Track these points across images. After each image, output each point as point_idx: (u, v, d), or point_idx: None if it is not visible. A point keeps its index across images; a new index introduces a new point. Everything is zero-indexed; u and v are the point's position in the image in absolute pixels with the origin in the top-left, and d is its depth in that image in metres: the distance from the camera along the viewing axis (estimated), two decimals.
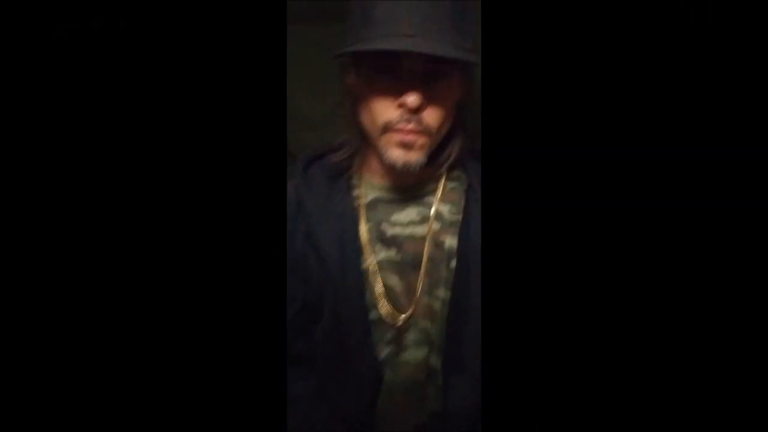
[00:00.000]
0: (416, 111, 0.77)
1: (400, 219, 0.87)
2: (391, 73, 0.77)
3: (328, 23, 1.95)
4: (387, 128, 0.79)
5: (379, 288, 0.84)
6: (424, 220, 0.86)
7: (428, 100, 0.77)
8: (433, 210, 0.86)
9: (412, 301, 0.84)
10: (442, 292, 0.85)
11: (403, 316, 0.83)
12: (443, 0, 0.74)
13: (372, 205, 0.87)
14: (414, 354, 0.85)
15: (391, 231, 0.86)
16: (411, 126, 0.78)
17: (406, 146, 0.79)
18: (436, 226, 0.86)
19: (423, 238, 0.85)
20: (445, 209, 0.88)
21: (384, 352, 0.85)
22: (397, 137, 0.79)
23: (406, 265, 0.85)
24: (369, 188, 0.89)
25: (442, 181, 0.88)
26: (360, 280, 0.84)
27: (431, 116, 0.78)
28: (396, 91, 0.77)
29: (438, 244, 0.86)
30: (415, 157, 0.80)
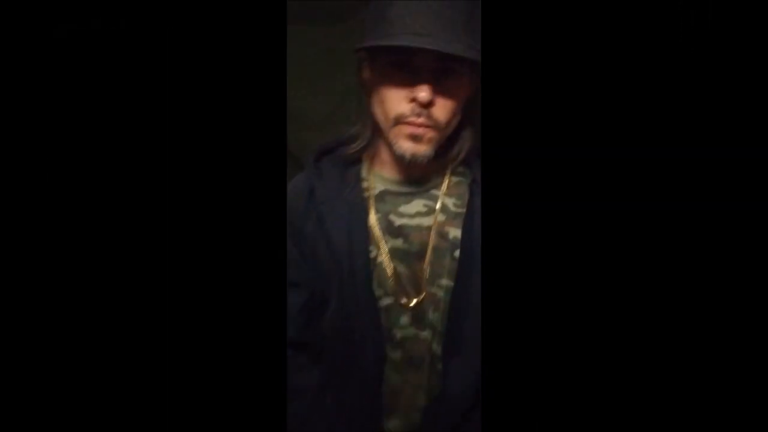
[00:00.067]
0: (427, 106, 0.81)
1: (408, 210, 0.91)
2: (405, 68, 0.81)
3: (328, 23, 1.96)
4: (398, 121, 0.83)
5: (388, 275, 0.88)
6: (430, 211, 0.90)
7: (438, 96, 0.81)
8: (438, 202, 0.90)
9: (417, 288, 0.89)
10: (446, 281, 0.89)
11: (415, 301, 0.87)
12: (456, 2, 0.78)
13: (380, 197, 0.92)
14: (417, 339, 0.89)
15: (398, 221, 0.90)
16: (421, 120, 0.82)
17: (415, 139, 0.83)
18: (441, 217, 0.90)
19: (429, 229, 0.89)
20: (450, 202, 0.92)
21: (389, 337, 0.89)
22: (407, 130, 0.83)
23: (412, 254, 0.89)
24: (378, 180, 0.93)
25: (448, 176, 0.92)
26: (368, 267, 0.88)
27: (440, 111, 0.83)
28: (408, 86, 0.81)
29: (443, 235, 0.90)
30: (423, 149, 0.84)
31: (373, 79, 0.87)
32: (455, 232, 0.90)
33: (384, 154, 0.93)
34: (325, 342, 0.93)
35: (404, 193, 0.92)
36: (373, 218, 0.90)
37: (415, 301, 0.88)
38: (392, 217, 0.91)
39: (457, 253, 0.89)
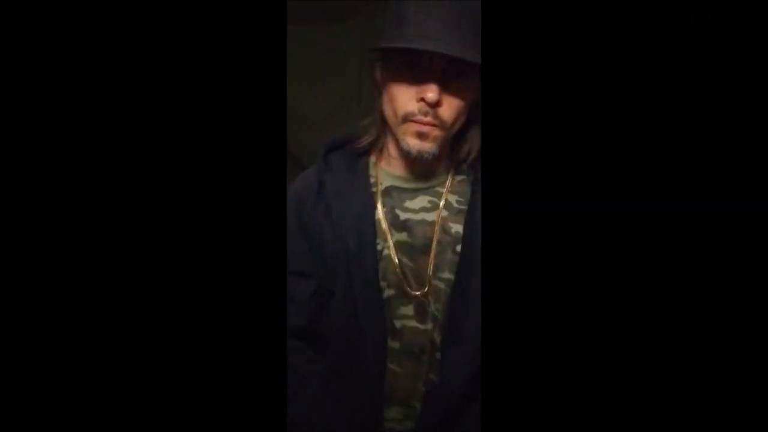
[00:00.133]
0: (434, 105, 0.85)
1: (413, 205, 0.95)
2: (415, 69, 0.86)
3: (328, 23, 1.97)
4: (406, 118, 0.88)
5: (395, 266, 0.93)
6: (434, 207, 0.95)
7: (446, 96, 0.86)
8: (442, 199, 0.95)
9: (420, 281, 0.93)
10: (447, 274, 0.93)
11: (419, 292, 0.92)
12: (466, 8, 0.83)
13: (387, 192, 0.96)
14: (418, 330, 0.93)
15: (403, 216, 0.95)
16: (428, 118, 0.86)
17: (421, 136, 0.88)
18: (444, 213, 0.95)
19: (433, 224, 0.94)
20: (453, 199, 0.96)
21: (392, 326, 0.93)
22: (414, 127, 0.88)
23: (416, 248, 0.94)
24: (385, 176, 0.97)
25: (451, 174, 0.97)
26: (375, 258, 0.92)
27: (447, 111, 0.87)
28: (418, 86, 0.86)
29: (446, 230, 0.94)
30: (429, 146, 0.88)
31: (384, 77, 0.91)
32: (457, 228, 0.94)
33: (391, 151, 0.97)
34: (330, 332, 0.97)
35: (410, 189, 0.96)
36: (380, 212, 0.94)
37: (419, 293, 0.92)
38: (398, 212, 0.95)
39: (458, 247, 0.93)
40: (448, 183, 0.96)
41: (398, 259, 0.93)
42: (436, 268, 0.93)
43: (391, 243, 0.93)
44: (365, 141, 0.98)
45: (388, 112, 0.92)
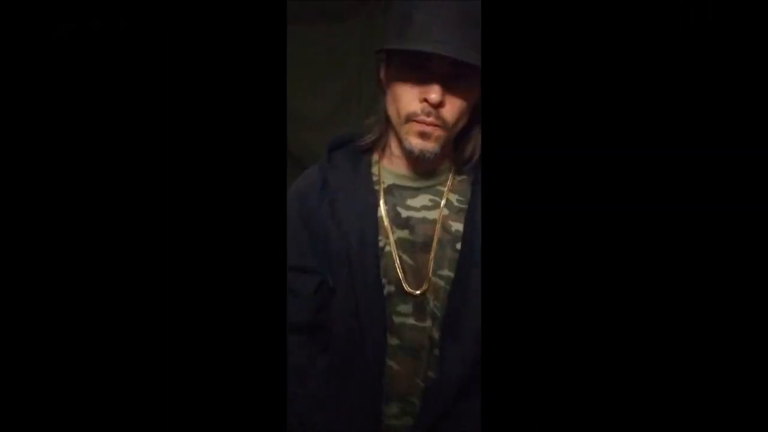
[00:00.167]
0: (437, 106, 0.87)
1: (414, 204, 0.97)
2: (419, 70, 0.87)
3: (328, 23, 1.96)
4: (409, 118, 0.90)
5: (396, 263, 0.94)
6: (436, 206, 0.97)
7: (448, 97, 0.88)
8: (443, 198, 0.97)
9: (419, 278, 0.95)
10: (447, 272, 0.95)
11: (420, 289, 0.94)
12: (471, 12, 0.85)
13: (389, 190, 0.98)
14: (416, 327, 0.95)
15: (405, 213, 0.97)
16: (431, 119, 0.88)
17: (424, 136, 0.90)
18: (445, 212, 0.97)
19: (434, 222, 0.96)
20: (454, 198, 0.98)
21: (393, 322, 0.95)
22: (417, 127, 0.90)
23: (417, 245, 0.96)
24: (387, 174, 0.99)
25: (452, 174, 0.99)
26: (377, 255, 0.94)
27: (449, 112, 0.89)
28: (421, 86, 0.88)
29: (446, 228, 0.96)
30: (431, 146, 0.90)
31: (388, 77, 0.93)
32: (458, 226, 0.96)
33: (394, 149, 0.99)
34: (331, 328, 0.98)
35: (411, 188, 0.98)
36: (382, 209, 0.96)
37: (420, 290, 0.94)
38: (400, 209, 0.97)
39: (458, 245, 0.95)
40: (449, 182, 0.98)
41: (399, 256, 0.94)
42: (437, 266, 0.94)
43: (392, 240, 0.95)
44: (368, 140, 1.00)
45: (391, 111, 0.94)
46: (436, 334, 0.95)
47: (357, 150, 1.02)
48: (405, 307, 0.95)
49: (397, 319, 0.95)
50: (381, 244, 0.95)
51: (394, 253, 0.94)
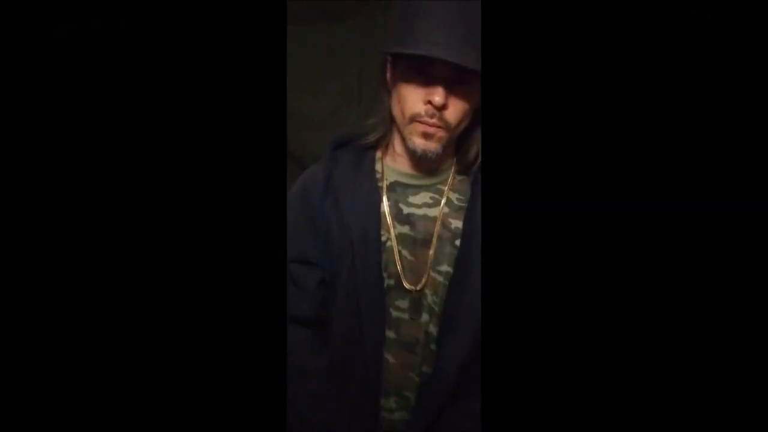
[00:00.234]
0: (440, 108, 0.90)
1: (416, 201, 1.00)
2: (423, 73, 0.90)
3: (328, 23, 1.96)
4: (413, 119, 0.93)
5: (396, 258, 0.97)
6: (436, 203, 1.00)
7: (451, 100, 0.90)
8: (444, 196, 1.00)
9: (418, 273, 0.97)
10: (446, 267, 0.97)
11: (419, 285, 0.96)
12: (474, 16, 0.87)
13: (391, 187, 1.01)
14: (417, 320, 0.97)
15: (406, 210, 1.00)
16: (434, 120, 0.91)
17: (427, 136, 0.93)
18: (445, 210, 1.00)
19: (434, 219, 0.99)
20: (454, 197, 1.01)
21: (391, 316, 0.98)
22: (420, 128, 0.93)
23: (417, 241, 0.98)
24: (390, 172, 1.02)
25: (453, 173, 1.02)
26: (379, 249, 0.96)
27: (452, 114, 0.92)
28: (425, 88, 0.90)
29: (446, 225, 0.99)
30: (434, 146, 0.93)
31: (394, 79, 0.96)
32: (457, 223, 0.98)
33: (397, 148, 1.02)
34: (333, 321, 1.00)
35: (413, 186, 1.01)
36: (385, 205, 0.99)
37: (419, 285, 0.96)
38: (401, 206, 1.00)
39: (457, 242, 0.97)
40: (449, 181, 1.01)
41: (399, 251, 0.97)
42: (435, 261, 0.97)
43: (393, 235, 0.98)
44: (373, 138, 1.03)
45: (396, 111, 0.97)
46: (433, 329, 0.97)
47: (360, 148, 1.04)
48: (402, 302, 0.97)
49: (394, 313, 0.97)
50: (383, 238, 0.97)
51: (394, 248, 0.97)
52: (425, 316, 0.97)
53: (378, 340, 0.97)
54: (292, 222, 1.00)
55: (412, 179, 1.01)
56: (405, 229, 0.98)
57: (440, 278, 0.97)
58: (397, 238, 0.98)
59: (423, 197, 1.00)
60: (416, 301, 0.97)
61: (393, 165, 1.03)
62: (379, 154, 1.05)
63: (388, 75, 0.98)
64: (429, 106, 0.90)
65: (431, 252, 0.97)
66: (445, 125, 0.92)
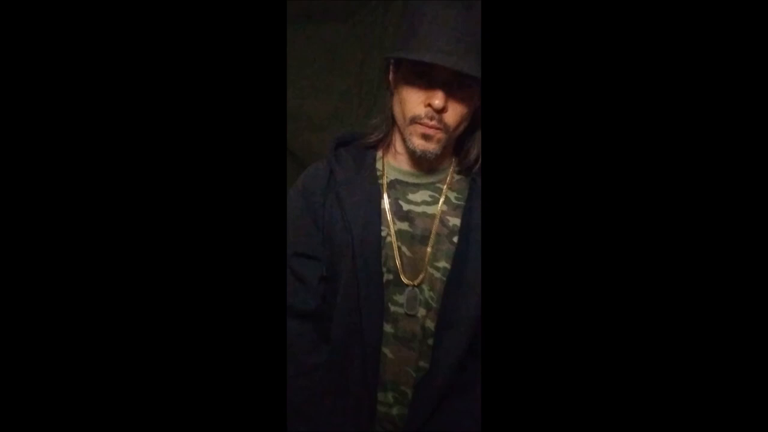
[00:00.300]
0: (440, 111, 0.94)
1: (415, 198, 1.04)
2: (424, 77, 0.95)
3: (328, 23, 1.96)
4: (414, 120, 0.97)
5: (396, 253, 1.01)
6: (435, 201, 1.04)
7: (451, 103, 0.95)
8: (443, 195, 1.04)
9: (415, 269, 1.01)
10: (443, 263, 1.01)
11: (416, 280, 1.00)
12: (476, 23, 0.91)
13: (392, 184, 1.05)
14: (414, 314, 1.01)
15: (406, 207, 1.03)
16: (433, 122, 0.96)
17: (426, 138, 0.97)
18: (444, 207, 1.04)
19: (433, 216, 1.03)
20: (452, 195, 1.05)
21: (389, 310, 1.01)
22: (420, 129, 0.97)
23: (416, 237, 1.02)
24: (390, 170, 1.06)
25: (451, 172, 1.06)
26: (379, 244, 1.00)
27: (451, 117, 0.96)
28: (426, 92, 0.95)
29: (444, 223, 1.03)
30: (433, 147, 0.98)
31: (396, 81, 1.00)
32: (455, 221, 1.03)
33: (398, 147, 1.06)
34: (332, 317, 1.03)
35: (413, 184, 1.05)
36: (385, 202, 1.03)
37: (416, 280, 1.00)
38: (401, 203, 1.03)
39: (455, 239, 1.01)
40: (448, 180, 1.05)
41: (398, 247, 1.01)
42: (433, 258, 1.01)
43: (393, 231, 1.01)
44: (374, 138, 1.07)
45: (397, 112, 1.01)
46: (430, 324, 1.01)
47: (362, 147, 1.09)
48: (400, 297, 1.01)
49: (393, 308, 1.01)
50: (383, 233, 1.01)
51: (394, 244, 1.01)
52: (422, 311, 1.01)
53: (376, 334, 1.00)
54: (294, 217, 1.05)
55: (411, 177, 1.05)
56: (404, 226, 1.02)
57: (438, 274, 1.01)
58: (396, 234, 1.01)
59: (422, 195, 1.04)
60: (413, 295, 1.01)
61: (393, 163, 1.06)
62: (380, 153, 1.08)
63: (391, 77, 1.02)
64: (429, 108, 0.94)
65: (429, 248, 1.01)
66: (444, 127, 0.96)
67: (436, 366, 1.00)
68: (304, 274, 1.03)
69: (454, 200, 1.04)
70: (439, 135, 0.97)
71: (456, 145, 1.05)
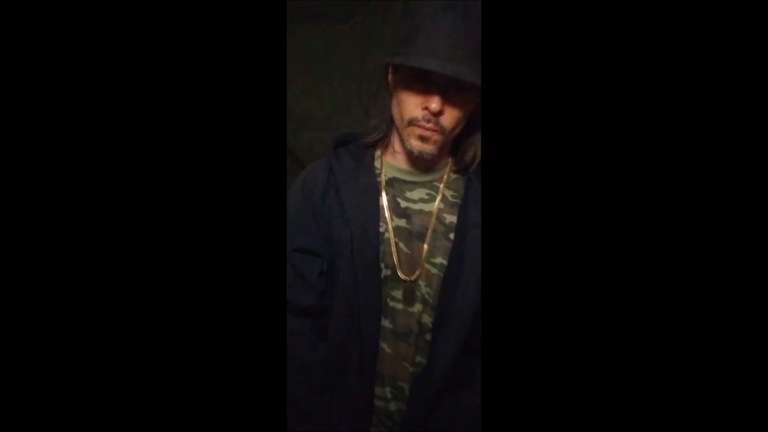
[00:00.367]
0: (436, 114, 0.98)
1: (412, 196, 1.07)
2: (422, 82, 0.97)
3: (328, 23, 1.97)
4: (411, 123, 1.00)
5: (393, 249, 1.03)
6: (432, 199, 1.07)
7: (447, 106, 0.98)
8: (439, 193, 1.07)
9: (412, 265, 1.04)
10: (440, 259, 1.04)
11: (413, 276, 1.03)
12: (473, 30, 0.93)
13: (390, 182, 1.08)
14: (411, 309, 1.03)
15: (404, 204, 1.06)
16: (430, 125, 0.99)
17: (423, 139, 1.00)
18: (440, 205, 1.06)
19: (430, 214, 1.06)
20: (449, 194, 1.08)
21: (387, 305, 1.03)
22: (417, 131, 1.00)
23: (413, 234, 1.05)
24: (388, 168, 1.09)
25: (448, 172, 1.09)
26: (378, 239, 1.03)
27: (448, 120, 0.99)
28: (423, 96, 0.98)
29: (441, 220, 1.06)
30: (429, 148, 1.01)
31: (394, 84, 1.03)
32: (451, 218, 1.05)
33: (396, 146, 1.09)
34: (331, 313, 1.05)
35: (410, 182, 1.08)
36: (383, 199, 1.05)
37: (413, 276, 1.03)
38: (399, 200, 1.06)
39: (451, 235, 1.04)
40: (444, 179, 1.08)
41: (396, 243, 1.03)
42: (430, 254, 1.04)
43: (391, 228, 1.04)
44: (373, 138, 1.10)
45: (395, 113, 1.03)
46: (426, 320, 1.03)
47: (361, 146, 1.11)
48: (397, 292, 1.03)
49: (391, 303, 1.03)
50: (381, 229, 1.03)
51: (391, 240, 1.03)
52: (418, 306, 1.03)
53: (374, 329, 1.02)
54: (294, 214, 1.07)
55: (409, 176, 1.08)
56: (402, 223, 1.05)
57: (434, 270, 1.03)
58: (394, 231, 1.04)
59: (419, 193, 1.07)
60: (410, 290, 1.03)
61: (392, 162, 1.09)
62: (378, 152, 1.11)
63: (390, 79, 1.04)
64: (426, 111, 0.97)
65: (426, 245, 1.04)
66: (441, 130, 0.99)
67: (432, 361, 1.02)
68: (304, 269, 1.05)
69: (450, 198, 1.07)
70: (436, 137, 1.00)
71: (453, 145, 1.08)
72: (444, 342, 1.02)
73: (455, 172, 1.10)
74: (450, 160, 1.10)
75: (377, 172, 1.08)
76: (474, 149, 1.06)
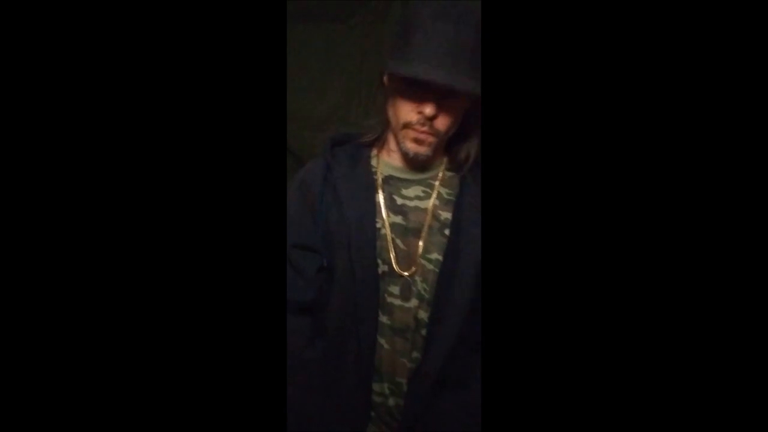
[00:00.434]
0: (431, 118, 1.00)
1: (408, 194, 1.09)
2: (416, 87, 0.99)
3: (328, 23, 1.97)
4: (406, 126, 1.03)
5: (390, 245, 1.05)
6: (427, 196, 1.09)
7: (441, 111, 1.00)
8: (435, 190, 1.09)
9: (409, 261, 1.06)
10: (435, 255, 1.06)
11: (410, 270, 1.05)
12: (466, 37, 0.95)
13: (386, 180, 1.10)
14: (407, 305, 1.05)
15: (400, 201, 1.09)
16: (425, 128, 1.01)
17: (418, 142, 1.03)
18: (436, 202, 1.09)
19: (425, 210, 1.08)
20: (444, 191, 1.10)
21: (385, 301, 1.05)
22: (412, 134, 1.03)
23: (409, 230, 1.07)
24: (384, 167, 1.12)
25: (443, 170, 1.12)
26: (374, 236, 1.05)
27: (441, 123, 1.02)
28: (418, 101, 1.00)
29: (436, 216, 1.08)
30: (424, 150, 1.04)
31: (390, 88, 1.05)
32: (446, 215, 1.08)
33: (392, 146, 1.11)
34: (329, 309, 1.07)
35: (406, 180, 1.10)
36: (380, 195, 1.08)
37: (410, 271, 1.05)
38: (395, 197, 1.09)
39: (446, 231, 1.06)
40: (440, 176, 1.10)
41: (392, 240, 1.05)
42: (426, 250, 1.06)
43: (387, 224, 1.06)
44: (369, 138, 1.13)
45: (391, 116, 1.06)
46: (423, 315, 1.04)
47: (358, 145, 1.14)
48: (395, 288, 1.05)
49: (388, 299, 1.05)
50: (378, 226, 1.06)
51: (388, 236, 1.05)
52: (414, 301, 1.04)
53: (372, 324, 1.04)
54: (293, 211, 1.09)
55: (405, 174, 1.11)
56: (398, 219, 1.07)
57: (430, 266, 1.05)
58: (390, 227, 1.06)
59: (415, 190, 1.09)
60: (406, 285, 1.04)
61: (388, 160, 1.12)
62: (374, 151, 1.14)
63: (386, 84, 1.07)
64: (420, 116, 1.00)
65: (422, 241, 1.06)
66: (435, 132, 1.02)
67: (428, 356, 1.04)
68: (302, 265, 1.07)
69: (445, 195, 1.09)
70: (430, 139, 1.02)
71: (447, 144, 1.10)
72: (440, 337, 1.03)
73: (450, 170, 1.12)
74: (445, 158, 1.12)
75: (374, 170, 1.11)
76: (468, 148, 1.09)
